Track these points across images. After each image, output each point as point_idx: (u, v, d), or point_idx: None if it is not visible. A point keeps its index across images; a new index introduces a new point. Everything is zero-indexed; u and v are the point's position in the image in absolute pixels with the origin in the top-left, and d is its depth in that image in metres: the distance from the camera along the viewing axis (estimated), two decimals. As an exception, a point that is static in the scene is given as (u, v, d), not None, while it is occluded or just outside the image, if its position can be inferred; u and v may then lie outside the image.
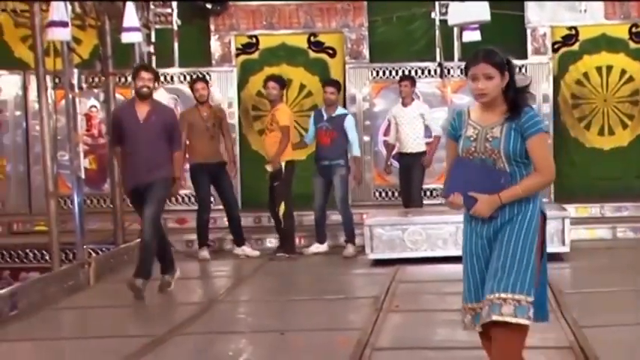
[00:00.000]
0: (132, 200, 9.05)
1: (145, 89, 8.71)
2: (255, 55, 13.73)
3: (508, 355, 4.57)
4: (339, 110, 11.33)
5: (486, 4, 7.83)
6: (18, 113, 13.39)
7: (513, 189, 4.54)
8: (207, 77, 12.87)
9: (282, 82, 11.32)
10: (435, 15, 13.24)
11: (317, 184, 11.26)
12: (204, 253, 11.15)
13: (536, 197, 4.62)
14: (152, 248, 8.70)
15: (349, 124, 11.16)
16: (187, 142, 10.93)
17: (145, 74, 8.75)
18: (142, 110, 8.73)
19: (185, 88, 13.29)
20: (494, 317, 4.48)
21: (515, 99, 4.60)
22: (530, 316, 4.51)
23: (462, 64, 12.50)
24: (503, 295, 4.48)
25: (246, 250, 11.30)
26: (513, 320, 4.48)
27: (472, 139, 4.60)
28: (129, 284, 8.60)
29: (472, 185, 4.51)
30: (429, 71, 12.93)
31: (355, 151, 11.18)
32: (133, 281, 8.55)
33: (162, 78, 13.19)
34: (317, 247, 11.33)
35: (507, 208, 4.54)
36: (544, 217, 4.67)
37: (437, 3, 13.21)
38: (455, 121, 4.74)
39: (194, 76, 13.18)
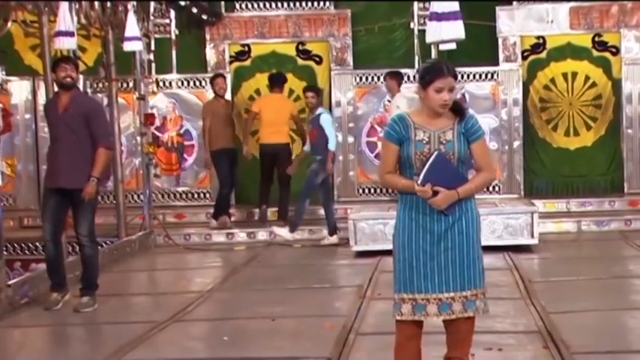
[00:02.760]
0: (46, 199, 7.82)
1: (68, 79, 7.73)
2: (248, 63, 13.72)
3: (470, 339, 4.71)
4: (318, 110, 11.41)
5: (461, 24, 7.87)
6: (28, 116, 13.35)
7: (468, 186, 4.55)
8: (203, 83, 13.29)
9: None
10: (414, 25, 13.28)
11: None
12: (223, 219, 12.20)
13: (474, 196, 4.66)
14: (97, 261, 8.01)
15: (323, 121, 11.23)
16: (209, 130, 12.11)
17: (66, 65, 7.79)
18: (63, 101, 7.77)
19: (183, 93, 13.44)
20: (472, 313, 4.59)
21: (460, 105, 4.62)
22: (488, 306, 4.67)
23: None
24: (474, 292, 4.58)
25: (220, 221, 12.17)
26: (483, 313, 4.62)
27: (425, 142, 4.54)
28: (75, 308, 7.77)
29: (443, 180, 4.51)
30: (409, 77, 12.91)
31: (330, 145, 11.19)
32: (79, 302, 7.81)
33: (161, 83, 13.30)
34: (331, 239, 11.42)
35: (457, 207, 4.53)
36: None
37: (415, 14, 13.26)
38: (398, 125, 4.58)
39: (191, 82, 13.36)
